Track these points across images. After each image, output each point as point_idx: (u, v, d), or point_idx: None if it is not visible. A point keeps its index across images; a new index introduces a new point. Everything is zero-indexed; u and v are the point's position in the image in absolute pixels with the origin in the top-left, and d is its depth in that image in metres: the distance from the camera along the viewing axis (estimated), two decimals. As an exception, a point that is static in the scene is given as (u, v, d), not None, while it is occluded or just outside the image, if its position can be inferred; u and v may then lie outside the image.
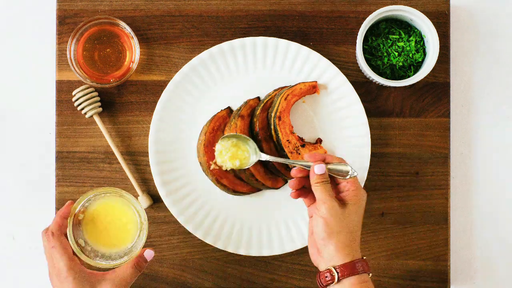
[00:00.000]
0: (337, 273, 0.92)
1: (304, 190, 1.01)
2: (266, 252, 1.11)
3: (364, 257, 0.95)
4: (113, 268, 0.98)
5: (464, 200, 1.17)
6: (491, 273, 1.17)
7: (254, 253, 1.11)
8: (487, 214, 1.17)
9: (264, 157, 1.05)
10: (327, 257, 0.94)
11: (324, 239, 0.94)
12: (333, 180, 0.99)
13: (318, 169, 0.97)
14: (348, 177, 0.97)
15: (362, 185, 1.11)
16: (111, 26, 1.12)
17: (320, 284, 0.94)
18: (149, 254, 1.00)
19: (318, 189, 0.96)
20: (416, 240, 1.14)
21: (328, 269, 0.93)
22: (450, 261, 1.14)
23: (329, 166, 0.98)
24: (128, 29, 1.11)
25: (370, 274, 0.95)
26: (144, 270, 1.11)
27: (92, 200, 1.00)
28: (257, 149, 1.06)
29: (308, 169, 0.99)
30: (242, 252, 1.11)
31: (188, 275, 1.14)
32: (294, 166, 1.00)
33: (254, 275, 1.14)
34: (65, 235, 0.98)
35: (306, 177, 1.00)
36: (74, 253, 0.97)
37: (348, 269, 0.92)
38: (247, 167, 1.06)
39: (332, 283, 0.93)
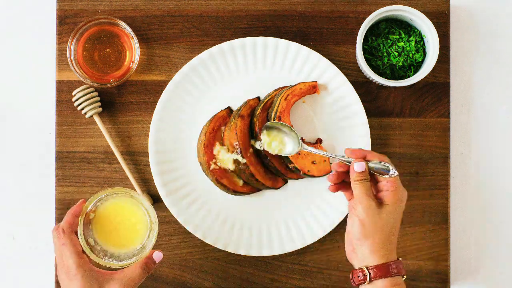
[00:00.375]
0: (369, 273, 0.92)
1: (344, 184, 1.00)
2: (266, 252, 1.11)
3: (400, 259, 0.95)
4: (122, 268, 0.98)
5: (464, 200, 1.17)
6: (491, 273, 1.17)
7: (254, 253, 1.11)
8: (487, 214, 1.17)
9: (306, 148, 1.04)
10: (361, 257, 0.94)
11: (360, 239, 0.94)
12: (373, 177, 0.98)
13: (358, 166, 0.96)
14: (388, 176, 0.96)
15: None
16: (111, 26, 1.12)
17: (353, 282, 0.94)
18: (158, 256, 0.99)
19: (357, 187, 0.95)
20: (416, 240, 1.14)
21: (361, 268, 0.93)
22: (450, 261, 1.14)
23: (370, 164, 0.96)
24: (128, 29, 1.11)
25: (405, 276, 0.94)
26: (152, 271, 1.10)
27: (103, 200, 1.00)
28: (300, 140, 1.05)
29: (349, 164, 0.97)
30: (242, 252, 1.11)
31: (188, 275, 1.14)
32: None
33: (254, 275, 1.14)
34: (76, 233, 0.97)
35: (346, 172, 0.99)
36: (83, 252, 0.97)
37: (381, 271, 0.92)
38: (289, 154, 1.06)
39: (364, 282, 0.93)
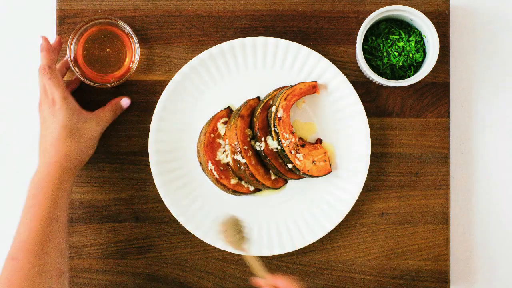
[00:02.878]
0: None
1: None
2: (266, 252, 1.11)
3: None
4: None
5: (464, 200, 1.17)
6: (491, 273, 1.17)
7: (254, 253, 1.11)
8: (487, 214, 1.17)
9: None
10: None
11: None
12: None
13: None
14: None
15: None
16: (111, 26, 1.12)
17: None
18: (125, 102, 1.11)
19: None
20: (416, 240, 1.14)
21: None
22: (450, 261, 1.14)
23: None
24: (128, 29, 1.11)
25: None
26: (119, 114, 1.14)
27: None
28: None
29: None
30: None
31: (188, 275, 1.14)
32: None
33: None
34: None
35: None
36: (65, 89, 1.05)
37: None
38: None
39: None
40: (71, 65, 1.10)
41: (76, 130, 1.04)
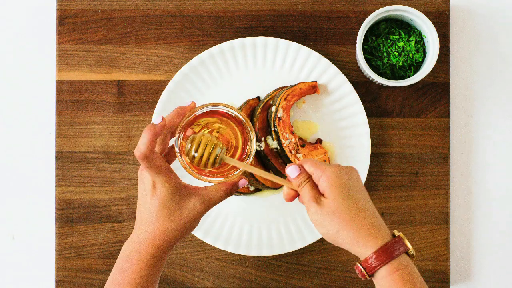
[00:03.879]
0: (364, 268, 0.84)
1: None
2: (266, 252, 1.11)
3: (397, 234, 0.85)
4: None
5: (464, 200, 1.17)
6: (491, 273, 1.17)
7: (254, 253, 1.11)
8: (487, 214, 1.17)
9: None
10: (354, 253, 0.87)
11: (335, 243, 0.87)
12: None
13: (289, 171, 0.90)
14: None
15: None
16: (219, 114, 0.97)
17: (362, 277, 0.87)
18: (242, 182, 0.95)
19: (300, 193, 0.89)
20: (416, 240, 1.14)
21: (356, 265, 0.86)
22: (450, 261, 1.14)
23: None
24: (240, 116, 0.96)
25: (412, 251, 0.85)
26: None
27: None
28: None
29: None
30: (242, 252, 1.11)
31: (188, 275, 1.14)
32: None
33: (254, 275, 1.14)
34: (158, 152, 0.93)
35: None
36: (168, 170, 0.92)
37: (369, 264, 0.83)
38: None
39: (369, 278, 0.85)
40: (178, 155, 0.93)
41: (177, 209, 0.92)
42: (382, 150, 1.14)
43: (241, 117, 0.94)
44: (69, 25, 1.14)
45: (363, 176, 1.11)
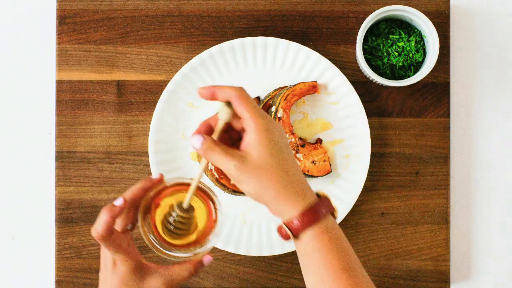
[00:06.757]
0: (289, 229, 0.80)
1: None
2: (266, 252, 1.11)
3: (322, 193, 0.82)
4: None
5: (464, 200, 1.17)
6: (491, 273, 1.17)
7: (254, 253, 1.11)
8: (487, 214, 1.17)
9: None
10: (279, 212, 0.82)
11: (258, 200, 0.82)
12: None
13: (194, 142, 0.84)
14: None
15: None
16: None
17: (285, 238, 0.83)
18: (207, 260, 0.92)
19: (209, 160, 0.83)
20: (416, 240, 1.14)
21: (280, 225, 0.82)
22: (450, 261, 1.14)
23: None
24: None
25: (336, 212, 0.82)
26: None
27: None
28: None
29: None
30: (242, 252, 1.11)
31: (188, 275, 1.14)
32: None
33: (254, 275, 1.14)
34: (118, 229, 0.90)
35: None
36: (127, 247, 0.89)
37: (295, 225, 0.79)
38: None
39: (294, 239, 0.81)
40: (142, 234, 0.90)
41: None
42: (382, 150, 1.14)
43: (204, 188, 0.91)
44: (69, 25, 1.14)
45: (363, 176, 1.11)
